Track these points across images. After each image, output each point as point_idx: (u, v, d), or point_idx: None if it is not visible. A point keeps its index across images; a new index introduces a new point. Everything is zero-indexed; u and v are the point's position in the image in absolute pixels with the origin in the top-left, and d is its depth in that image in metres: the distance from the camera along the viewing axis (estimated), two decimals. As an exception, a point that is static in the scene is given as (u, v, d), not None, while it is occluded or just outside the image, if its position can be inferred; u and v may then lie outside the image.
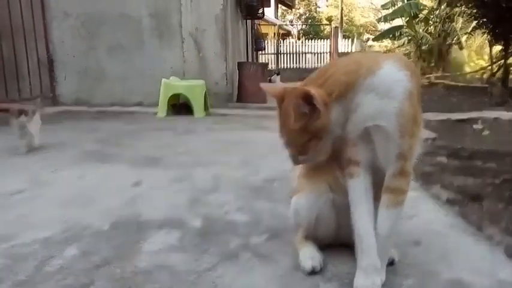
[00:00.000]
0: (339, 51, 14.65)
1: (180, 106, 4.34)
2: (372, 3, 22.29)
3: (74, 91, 5.00)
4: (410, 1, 11.01)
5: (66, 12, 4.91)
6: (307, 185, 1.02)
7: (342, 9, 21.68)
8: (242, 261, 1.00)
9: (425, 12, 11.32)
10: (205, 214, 1.33)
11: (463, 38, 10.83)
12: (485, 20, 8.22)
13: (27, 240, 1.13)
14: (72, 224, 1.24)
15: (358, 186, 0.91)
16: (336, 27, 15.38)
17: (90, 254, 1.04)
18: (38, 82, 4.70)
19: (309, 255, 0.98)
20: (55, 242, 1.11)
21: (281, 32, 18.70)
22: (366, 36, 21.45)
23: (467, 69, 10.91)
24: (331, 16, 22.81)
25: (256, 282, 0.91)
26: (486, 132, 3.14)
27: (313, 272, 0.94)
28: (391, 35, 12.22)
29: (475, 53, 11.25)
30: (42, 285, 0.89)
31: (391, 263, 0.98)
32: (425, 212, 1.38)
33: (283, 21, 23.22)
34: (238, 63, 5.68)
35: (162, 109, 4.22)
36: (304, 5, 28.39)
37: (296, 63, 17.03)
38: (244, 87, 5.35)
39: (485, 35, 8.78)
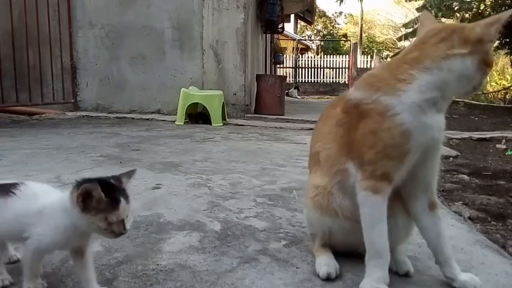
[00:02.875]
0: (358, 67, 14.65)
1: (197, 115, 4.40)
2: (391, 20, 22.33)
3: (94, 97, 5.13)
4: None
5: (92, 22, 5.07)
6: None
7: (361, 26, 21.78)
8: (261, 265, 1.00)
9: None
10: (224, 218, 1.33)
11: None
12: (507, 40, 8.13)
13: (51, 235, 1.15)
14: (94, 222, 1.26)
15: (382, 204, 0.87)
16: (355, 43, 15.44)
17: (113, 250, 1.05)
18: (61, 88, 4.84)
19: (325, 262, 0.97)
20: (78, 238, 1.13)
21: (300, 46, 18.84)
22: (385, 53, 21.43)
23: (489, 88, 10.74)
24: (348, 32, 22.87)
25: (276, 287, 0.91)
26: (510, 152, 3.07)
27: (328, 279, 0.94)
28: None
29: (496, 72, 11.09)
30: (67, 278, 0.90)
31: (406, 274, 0.97)
32: (447, 227, 1.35)
33: (303, 37, 23.42)
34: (256, 75, 5.73)
35: (180, 117, 4.29)
36: (322, 22, 28.63)
37: (314, 77, 17.11)
38: (262, 99, 5.39)
39: (509, 55, 8.67)
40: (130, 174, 0.85)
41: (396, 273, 0.97)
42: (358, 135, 0.88)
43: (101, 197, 0.73)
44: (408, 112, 0.84)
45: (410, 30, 11.65)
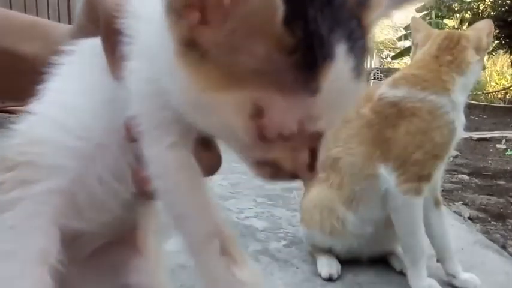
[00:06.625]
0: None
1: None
2: (391, 20, 22.38)
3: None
4: (431, 20, 10.99)
5: (93, 21, 5.08)
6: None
7: (361, 26, 21.77)
8: (261, 265, 1.00)
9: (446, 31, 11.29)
10: (224, 218, 1.33)
11: (485, 58, 10.72)
12: (507, 40, 8.14)
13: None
14: (94, 222, 1.26)
15: (421, 205, 0.88)
16: (354, 43, 15.42)
17: (112, 250, 1.05)
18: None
19: (326, 263, 0.97)
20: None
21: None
22: (385, 53, 21.43)
23: (489, 88, 10.75)
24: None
25: (276, 287, 0.91)
26: (510, 152, 3.08)
27: (330, 279, 0.94)
28: (411, 53, 12.19)
29: (496, 72, 11.10)
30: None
31: (401, 272, 0.98)
32: (447, 227, 1.35)
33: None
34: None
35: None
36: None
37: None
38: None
39: (508, 54, 8.69)
40: None
41: (400, 272, 0.98)
42: (400, 135, 0.87)
43: None
44: (456, 111, 0.88)
45: (411, 31, 11.67)
